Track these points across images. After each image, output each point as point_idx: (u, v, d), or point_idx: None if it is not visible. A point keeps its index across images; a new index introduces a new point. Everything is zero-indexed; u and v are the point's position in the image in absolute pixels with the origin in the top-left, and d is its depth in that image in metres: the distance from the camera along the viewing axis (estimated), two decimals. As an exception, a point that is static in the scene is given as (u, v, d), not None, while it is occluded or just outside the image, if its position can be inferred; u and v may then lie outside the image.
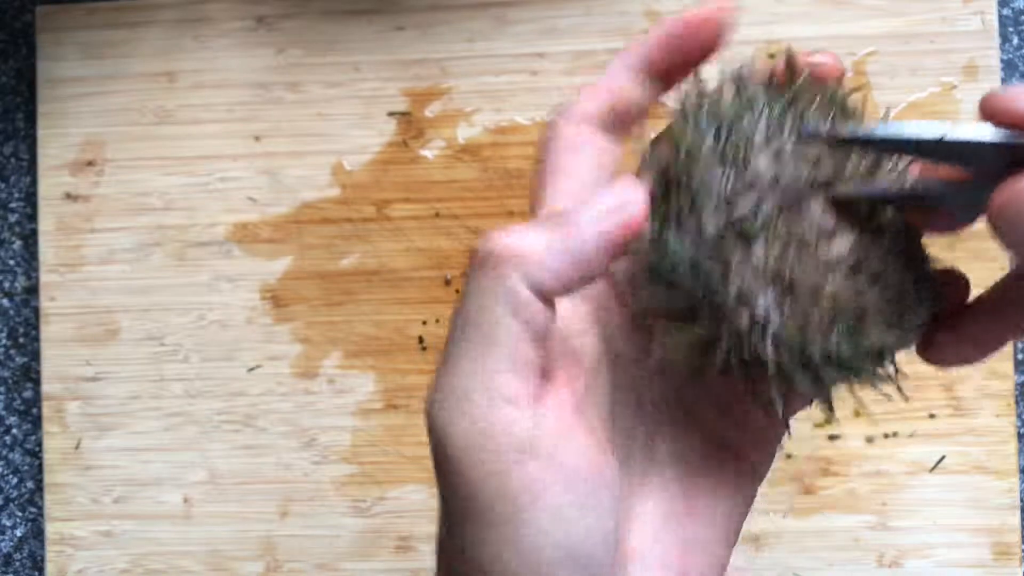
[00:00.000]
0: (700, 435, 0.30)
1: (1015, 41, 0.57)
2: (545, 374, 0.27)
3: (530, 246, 0.25)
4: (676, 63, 0.30)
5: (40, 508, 0.60)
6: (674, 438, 0.29)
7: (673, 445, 0.29)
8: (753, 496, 0.31)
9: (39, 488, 0.60)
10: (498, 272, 0.25)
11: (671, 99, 0.30)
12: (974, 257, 0.55)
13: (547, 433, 0.25)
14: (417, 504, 0.57)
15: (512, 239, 0.25)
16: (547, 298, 0.25)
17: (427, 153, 0.58)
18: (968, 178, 0.26)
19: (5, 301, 0.62)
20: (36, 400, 0.61)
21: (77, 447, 0.59)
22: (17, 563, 0.61)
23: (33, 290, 0.61)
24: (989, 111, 0.25)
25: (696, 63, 0.30)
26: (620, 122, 0.30)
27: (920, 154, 0.27)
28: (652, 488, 0.29)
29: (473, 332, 0.25)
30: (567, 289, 0.26)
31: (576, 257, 0.25)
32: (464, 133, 0.58)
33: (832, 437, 0.55)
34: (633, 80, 0.30)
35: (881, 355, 0.28)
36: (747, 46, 0.56)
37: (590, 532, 0.25)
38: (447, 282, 0.57)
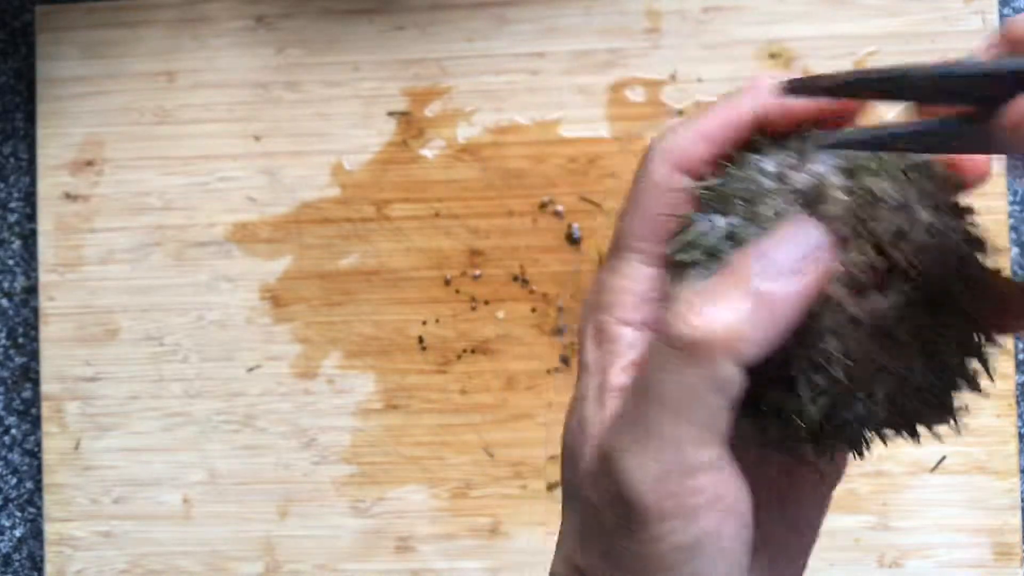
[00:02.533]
0: (782, 461, 0.32)
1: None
2: None
3: (737, 327, 0.25)
4: (783, 126, 0.29)
5: (39, 508, 0.60)
6: (760, 467, 0.31)
7: (760, 472, 0.31)
8: (827, 503, 0.32)
9: (38, 488, 0.60)
10: (708, 359, 0.25)
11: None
12: (974, 257, 0.55)
13: (730, 489, 0.27)
14: (417, 504, 0.57)
15: (717, 323, 0.25)
16: (748, 366, 0.26)
17: (427, 153, 0.58)
18: (971, 111, 0.25)
19: (4, 301, 0.61)
20: (35, 400, 0.61)
21: (76, 447, 0.59)
22: (16, 563, 0.61)
23: (33, 290, 0.61)
24: (1014, 39, 0.25)
25: (801, 130, 0.29)
26: (713, 169, 0.30)
27: (919, 95, 0.25)
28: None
29: (678, 408, 0.26)
30: (766, 352, 0.26)
31: (777, 322, 0.25)
32: (464, 133, 0.58)
33: (832, 437, 0.55)
34: (745, 130, 0.29)
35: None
36: (747, 46, 0.56)
37: (743, 565, 0.27)
38: (447, 282, 0.57)
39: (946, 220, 0.27)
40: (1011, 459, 0.54)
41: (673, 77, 0.57)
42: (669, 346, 0.25)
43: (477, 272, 0.57)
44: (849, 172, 0.27)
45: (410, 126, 0.58)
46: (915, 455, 0.55)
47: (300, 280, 0.58)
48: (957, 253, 0.27)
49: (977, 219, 0.29)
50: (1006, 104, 0.23)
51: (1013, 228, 0.56)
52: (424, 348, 0.57)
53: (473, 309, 0.57)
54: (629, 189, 0.30)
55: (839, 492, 0.56)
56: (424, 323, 0.57)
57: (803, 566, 0.31)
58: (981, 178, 0.29)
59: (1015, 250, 0.56)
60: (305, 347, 0.58)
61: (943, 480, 0.55)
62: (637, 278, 0.29)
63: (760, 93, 0.29)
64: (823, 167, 0.27)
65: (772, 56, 0.56)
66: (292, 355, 0.58)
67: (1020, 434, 0.55)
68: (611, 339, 0.29)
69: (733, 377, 0.25)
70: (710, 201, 0.28)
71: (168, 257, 0.59)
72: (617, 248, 0.30)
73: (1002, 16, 0.57)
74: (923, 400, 0.27)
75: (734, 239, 0.27)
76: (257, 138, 0.59)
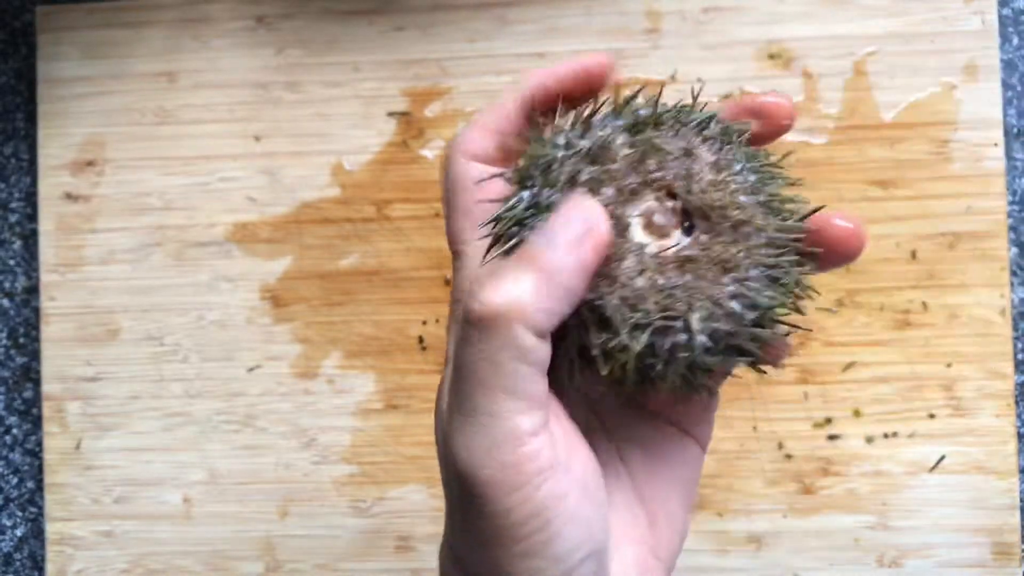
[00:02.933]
0: (650, 424, 0.33)
1: (1015, 41, 0.57)
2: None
3: (523, 297, 0.27)
4: (555, 102, 0.33)
5: (40, 508, 0.60)
6: (628, 431, 0.33)
7: (629, 436, 0.33)
8: (701, 462, 0.34)
9: (39, 488, 0.60)
10: (502, 330, 0.27)
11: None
12: (974, 257, 0.55)
13: (560, 450, 0.28)
14: (417, 504, 0.57)
15: (503, 295, 0.27)
16: (545, 335, 0.27)
17: (427, 153, 0.58)
18: None
19: (5, 301, 0.62)
20: (36, 400, 0.61)
21: (77, 447, 0.59)
22: (17, 563, 0.61)
23: (33, 290, 0.61)
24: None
25: (577, 103, 0.33)
26: (504, 155, 0.33)
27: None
28: (619, 477, 0.33)
29: (488, 381, 0.27)
30: (560, 320, 0.28)
31: (563, 291, 0.27)
32: (464, 133, 0.58)
33: (832, 437, 0.55)
34: (517, 115, 0.33)
35: (760, 324, 0.30)
36: (747, 46, 0.56)
37: (600, 525, 0.29)
38: (447, 282, 0.57)
39: (731, 156, 0.30)
40: (1011, 459, 0.54)
41: (673, 77, 0.57)
42: (469, 323, 0.27)
43: (477, 272, 0.57)
44: (632, 129, 0.30)
45: (410, 126, 0.58)
46: (914, 455, 0.55)
47: (300, 280, 0.58)
48: (748, 186, 0.29)
49: (770, 155, 0.31)
50: None
51: (1012, 228, 0.56)
52: (424, 348, 0.57)
53: (473, 309, 0.57)
54: (442, 196, 0.33)
55: (839, 492, 0.56)
56: (424, 323, 0.57)
57: (686, 523, 0.33)
58: (776, 125, 0.31)
59: (1014, 250, 0.56)
60: (305, 347, 0.58)
61: (943, 480, 0.55)
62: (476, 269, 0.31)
63: (525, 82, 0.32)
64: (607, 130, 0.30)
65: (772, 56, 0.56)
66: (292, 355, 0.58)
67: (1020, 434, 0.55)
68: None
69: (532, 344, 0.27)
70: (515, 179, 0.30)
71: (168, 257, 0.59)
72: (453, 249, 0.33)
73: (1001, 16, 0.57)
74: (738, 322, 0.29)
75: (536, 207, 0.29)
76: (257, 138, 0.59)
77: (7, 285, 0.62)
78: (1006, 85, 0.57)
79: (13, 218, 0.62)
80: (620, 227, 0.29)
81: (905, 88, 0.55)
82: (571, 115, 0.31)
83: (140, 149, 0.59)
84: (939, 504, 0.55)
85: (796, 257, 0.30)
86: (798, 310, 0.30)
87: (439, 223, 0.57)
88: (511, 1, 0.58)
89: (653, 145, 0.29)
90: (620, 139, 0.29)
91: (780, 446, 0.55)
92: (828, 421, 0.55)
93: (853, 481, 0.55)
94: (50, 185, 0.60)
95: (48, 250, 0.60)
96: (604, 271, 0.28)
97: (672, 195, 0.29)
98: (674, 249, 0.29)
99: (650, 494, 0.32)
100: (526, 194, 0.30)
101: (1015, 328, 0.56)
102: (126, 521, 0.59)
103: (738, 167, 0.30)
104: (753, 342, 0.29)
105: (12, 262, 0.61)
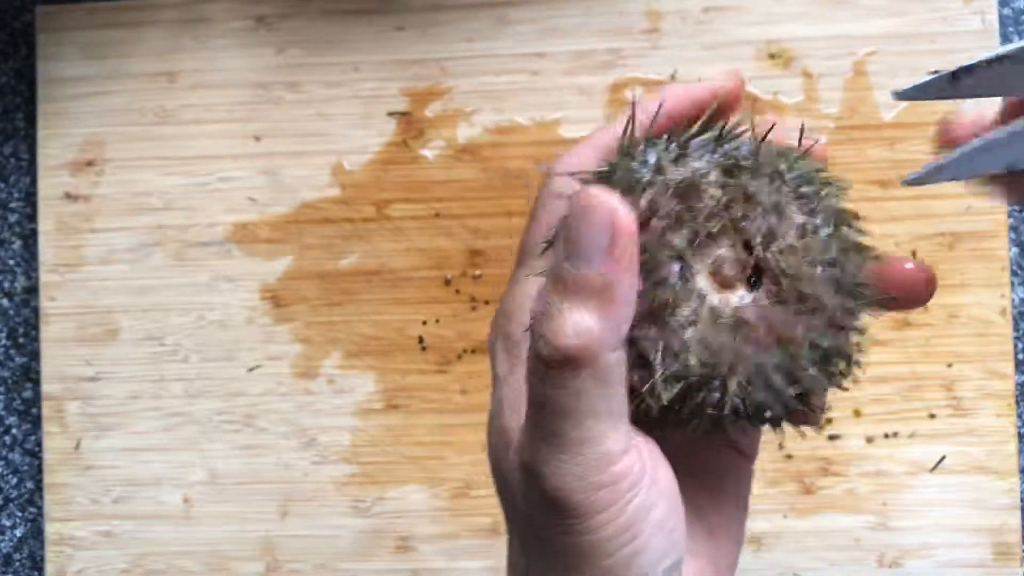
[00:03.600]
0: (699, 439, 0.33)
1: (1015, 41, 0.57)
2: None
3: (592, 329, 0.26)
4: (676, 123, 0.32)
5: (40, 508, 0.60)
6: (677, 445, 0.32)
7: (678, 449, 0.32)
8: (751, 474, 0.34)
9: (39, 488, 0.60)
10: (581, 365, 0.26)
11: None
12: (974, 257, 0.55)
13: (647, 462, 0.28)
14: (417, 504, 0.57)
15: (571, 334, 0.26)
16: (620, 346, 0.27)
17: (427, 153, 0.58)
18: None
19: (5, 301, 0.61)
20: (36, 400, 0.61)
21: (77, 447, 0.59)
22: (17, 563, 0.61)
23: (33, 290, 0.61)
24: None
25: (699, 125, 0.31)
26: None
27: None
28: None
29: (576, 411, 0.27)
30: (628, 326, 0.27)
31: (621, 301, 0.27)
32: (464, 133, 0.58)
33: (832, 437, 0.55)
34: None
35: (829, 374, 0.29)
36: (747, 46, 0.56)
37: (681, 533, 0.29)
38: (447, 282, 0.57)
39: (819, 222, 0.29)
40: (1011, 459, 0.54)
41: (673, 77, 0.57)
42: (544, 364, 0.26)
43: (477, 272, 0.57)
44: (728, 170, 0.28)
45: (410, 126, 0.58)
46: (915, 455, 0.55)
47: (300, 280, 0.58)
48: (828, 257, 0.28)
49: (860, 225, 0.30)
50: None
51: (1013, 228, 0.56)
52: (424, 348, 0.57)
53: (473, 309, 0.57)
54: (532, 207, 0.32)
55: (839, 492, 0.56)
56: (424, 323, 0.57)
57: (742, 533, 0.33)
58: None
59: (1015, 250, 0.56)
60: (305, 347, 0.58)
61: (943, 480, 0.55)
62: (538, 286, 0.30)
63: (653, 102, 0.31)
64: (703, 163, 0.28)
65: (772, 56, 0.56)
66: (292, 355, 0.58)
67: (1020, 434, 0.55)
68: (517, 346, 0.31)
69: (612, 363, 0.27)
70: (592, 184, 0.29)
71: (168, 257, 0.59)
72: (520, 260, 0.32)
73: (1002, 16, 0.57)
74: (775, 396, 0.28)
75: None
76: (257, 138, 0.59)
77: (7, 285, 0.61)
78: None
79: (13, 218, 0.62)
80: (686, 272, 0.28)
81: (905, 88, 0.55)
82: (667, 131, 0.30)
83: (140, 149, 0.59)
84: (939, 504, 0.55)
85: (853, 338, 0.29)
86: (841, 387, 0.30)
87: (439, 223, 0.57)
88: (511, 1, 0.58)
89: (745, 194, 0.28)
90: (712, 176, 0.28)
91: (780, 446, 0.55)
92: (828, 421, 0.55)
93: (853, 481, 0.55)
94: (50, 185, 0.60)
95: (48, 250, 0.59)
96: (657, 313, 0.28)
97: (748, 248, 0.28)
98: (734, 306, 0.28)
99: (705, 505, 0.32)
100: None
101: (1015, 328, 0.56)
102: (126, 521, 0.59)
103: (824, 234, 0.28)
104: (787, 413, 0.29)
105: (12, 262, 0.61)
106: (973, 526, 0.54)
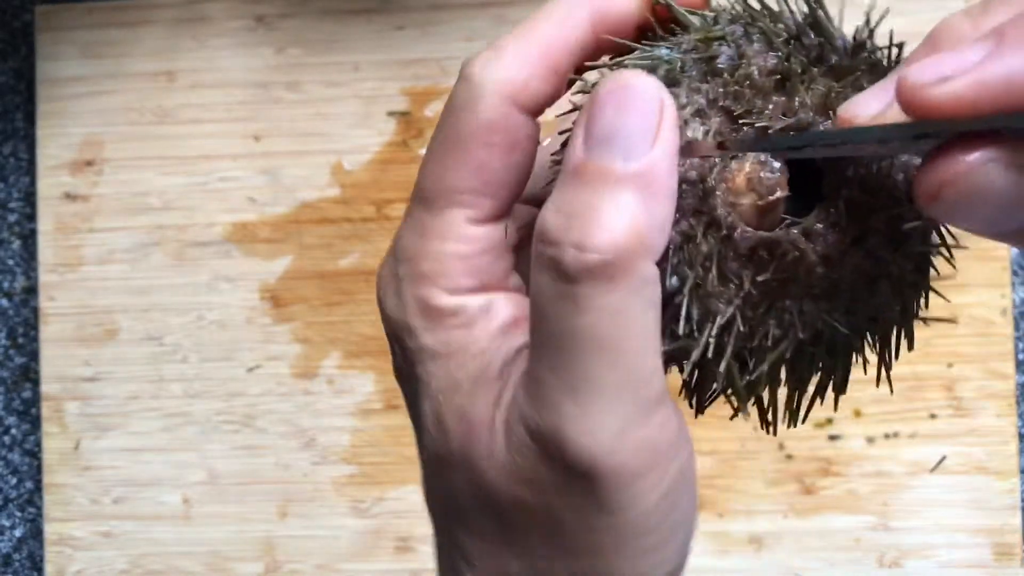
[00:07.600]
0: None
1: (1016, 41, 0.57)
2: None
3: (639, 221, 0.21)
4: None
5: (39, 508, 0.60)
6: None
7: None
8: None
9: (38, 488, 0.60)
10: (629, 272, 0.21)
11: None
12: (975, 257, 0.55)
13: (675, 407, 0.23)
14: (417, 504, 0.57)
15: (617, 228, 0.21)
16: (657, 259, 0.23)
17: (427, 153, 0.58)
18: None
19: (4, 301, 0.61)
20: (35, 400, 0.60)
21: (76, 447, 0.59)
22: (16, 563, 0.61)
23: (32, 290, 0.61)
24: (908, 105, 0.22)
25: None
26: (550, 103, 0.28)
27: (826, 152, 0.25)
28: None
29: (619, 344, 0.22)
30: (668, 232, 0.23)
31: (667, 194, 0.22)
32: (464, 133, 0.58)
33: (832, 437, 0.55)
34: (578, 46, 0.26)
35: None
36: (747, 46, 0.56)
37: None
38: (447, 282, 0.57)
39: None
40: (1011, 459, 0.54)
41: (673, 77, 0.57)
42: (579, 280, 0.21)
43: (477, 272, 0.57)
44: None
45: (410, 126, 0.58)
46: (915, 455, 0.55)
47: (300, 280, 0.58)
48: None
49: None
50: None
51: (1013, 228, 0.56)
52: (424, 348, 0.57)
53: (473, 309, 0.57)
54: (439, 128, 0.26)
55: (839, 492, 0.56)
56: (424, 323, 0.57)
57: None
58: None
59: (1015, 250, 0.56)
60: (305, 347, 0.58)
61: (943, 480, 0.55)
62: (466, 239, 0.25)
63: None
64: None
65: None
66: (292, 355, 0.58)
67: (1020, 434, 0.55)
68: (452, 314, 0.25)
69: (655, 275, 0.22)
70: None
71: (168, 257, 0.59)
72: (430, 204, 0.26)
73: (1002, 16, 0.56)
74: (814, 365, 0.26)
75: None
76: (257, 138, 0.59)
77: (6, 285, 0.61)
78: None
79: (12, 218, 0.62)
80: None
81: (905, 88, 0.55)
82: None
83: (139, 149, 0.59)
84: (940, 504, 0.55)
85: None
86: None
87: (439, 223, 0.57)
88: (510, 0, 0.58)
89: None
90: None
91: (781, 446, 0.55)
92: (829, 421, 0.55)
93: (854, 481, 0.55)
94: (49, 185, 0.60)
95: (47, 250, 0.59)
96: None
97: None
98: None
99: None
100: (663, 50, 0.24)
101: (1016, 328, 0.56)
102: (125, 521, 0.59)
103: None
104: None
105: (11, 262, 0.61)
106: (973, 526, 0.54)
